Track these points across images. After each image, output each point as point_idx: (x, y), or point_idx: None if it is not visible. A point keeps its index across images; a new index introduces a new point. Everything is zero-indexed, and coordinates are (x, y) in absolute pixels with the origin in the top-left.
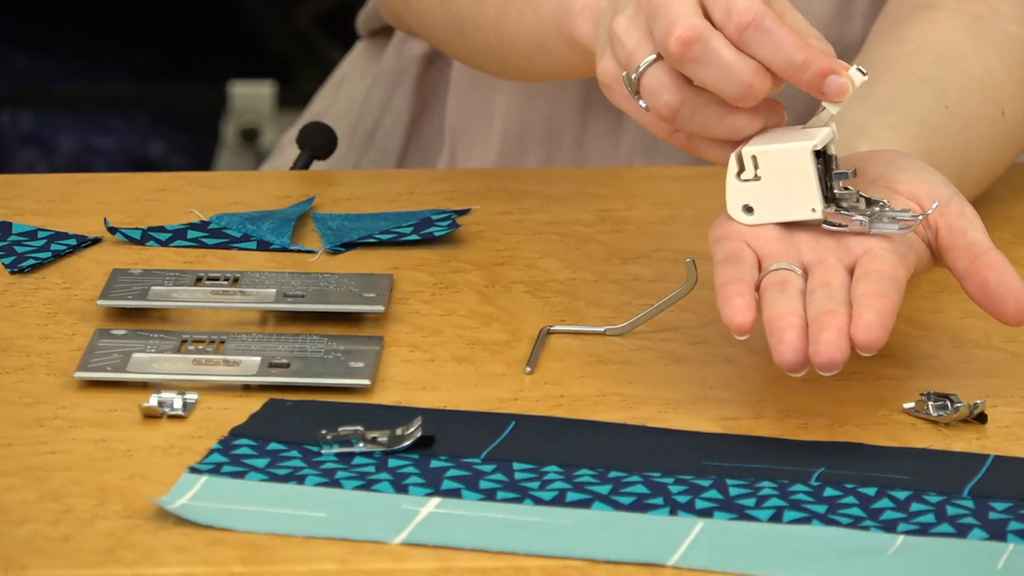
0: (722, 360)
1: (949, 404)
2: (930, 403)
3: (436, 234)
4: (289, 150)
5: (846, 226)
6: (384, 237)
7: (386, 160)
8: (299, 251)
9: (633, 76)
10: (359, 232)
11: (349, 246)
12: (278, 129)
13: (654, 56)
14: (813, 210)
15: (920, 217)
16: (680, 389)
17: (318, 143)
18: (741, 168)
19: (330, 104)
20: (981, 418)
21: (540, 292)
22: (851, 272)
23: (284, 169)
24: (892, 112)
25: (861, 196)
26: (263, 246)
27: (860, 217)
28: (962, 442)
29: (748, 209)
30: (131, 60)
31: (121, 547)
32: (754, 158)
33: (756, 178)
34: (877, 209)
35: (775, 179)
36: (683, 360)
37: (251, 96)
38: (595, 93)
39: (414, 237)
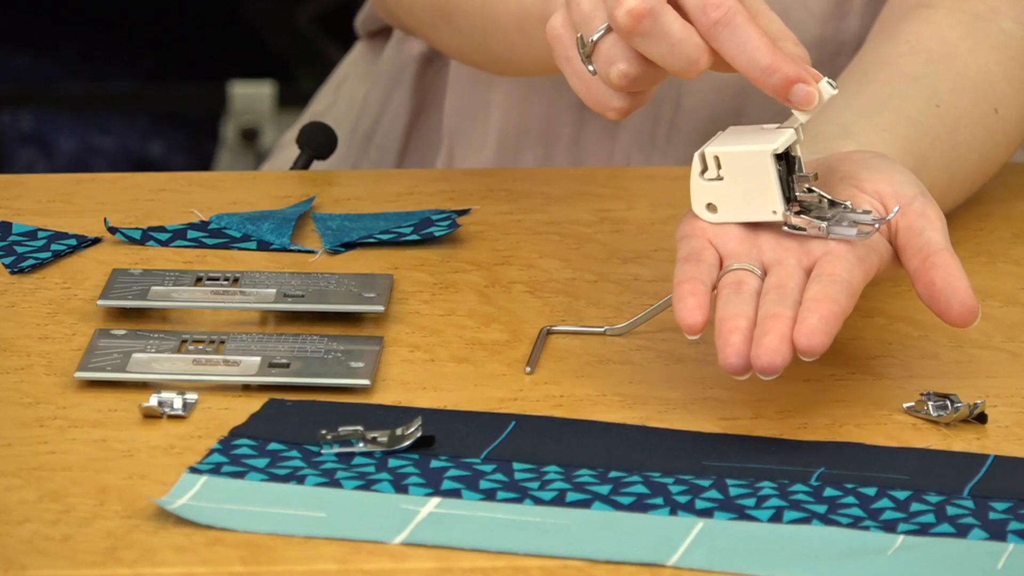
0: None
1: (949, 404)
2: (930, 403)
3: (436, 234)
4: (289, 150)
5: (805, 230)
6: (384, 237)
7: (385, 160)
8: (299, 251)
9: (591, 38)
10: (359, 232)
11: (349, 246)
12: (278, 129)
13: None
14: (774, 212)
15: (877, 224)
16: (680, 389)
17: (318, 143)
18: (704, 167)
19: (330, 104)
20: (981, 418)
21: (540, 292)
22: (810, 274)
23: (284, 169)
24: (881, 112)
25: (824, 199)
26: (263, 246)
27: (819, 222)
28: (962, 442)
29: (712, 208)
30: (131, 60)
31: (121, 547)
32: (716, 158)
33: (719, 178)
34: (839, 212)
35: (737, 180)
36: (683, 360)
37: (251, 96)
38: None
39: (414, 237)
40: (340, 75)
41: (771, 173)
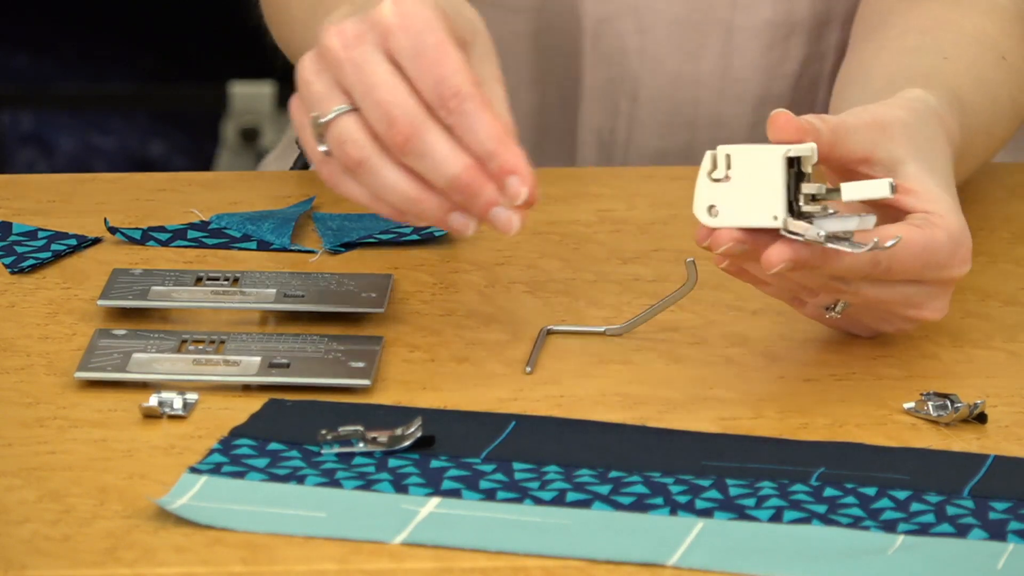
0: (722, 360)
1: (949, 404)
2: (930, 403)
3: (436, 234)
4: (290, 151)
5: (803, 236)
6: (384, 237)
7: None
8: (299, 251)
9: (321, 120)
10: (359, 232)
11: (349, 246)
12: (278, 129)
13: (348, 108)
14: (775, 217)
15: (872, 245)
16: (680, 389)
17: None
18: (714, 167)
19: None
20: (981, 418)
21: (540, 292)
22: None
23: (284, 169)
24: (895, 85)
25: (827, 212)
26: (263, 246)
27: (817, 229)
28: (962, 442)
29: (712, 211)
30: (131, 60)
31: (121, 547)
32: (728, 157)
33: (726, 178)
34: (836, 223)
35: (744, 181)
36: (683, 360)
37: (251, 96)
38: (549, 98)
39: (414, 237)
40: None
41: (779, 175)
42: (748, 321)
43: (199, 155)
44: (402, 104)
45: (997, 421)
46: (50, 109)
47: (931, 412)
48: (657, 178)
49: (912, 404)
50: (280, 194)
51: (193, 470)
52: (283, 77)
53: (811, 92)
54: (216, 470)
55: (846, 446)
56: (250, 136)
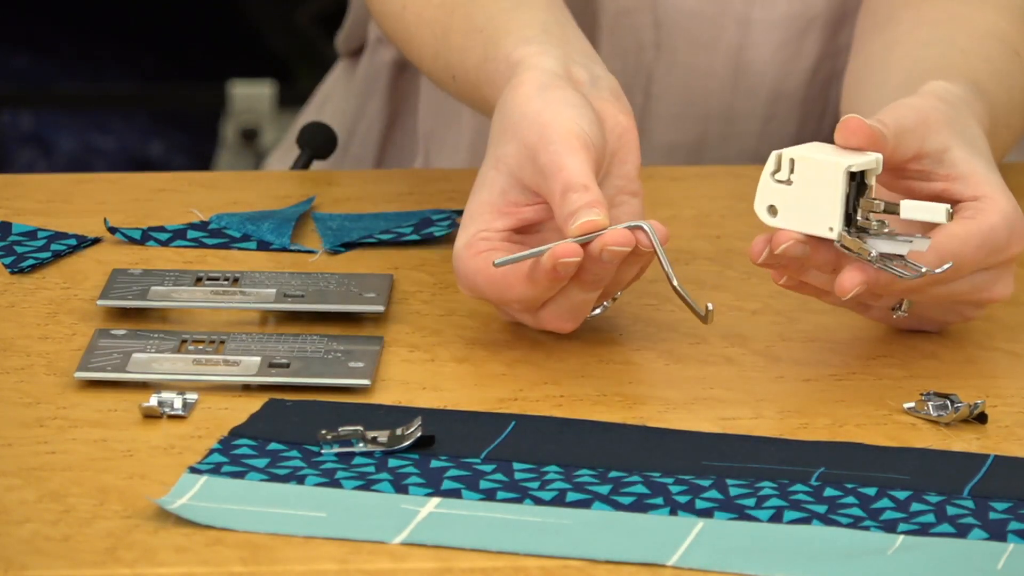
0: (722, 360)
1: (949, 404)
2: (930, 403)
3: (436, 234)
4: (290, 151)
5: (857, 253)
6: (384, 237)
7: (362, 168)
8: (299, 251)
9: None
10: (359, 232)
11: (349, 246)
12: (278, 129)
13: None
14: (830, 229)
15: (923, 271)
16: (680, 389)
17: (318, 143)
18: (777, 168)
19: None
20: (981, 418)
21: None
22: None
23: (284, 169)
24: (913, 79)
25: (885, 229)
26: (263, 246)
27: (870, 248)
28: (962, 442)
29: (772, 211)
30: (131, 60)
31: (121, 547)
32: (791, 161)
33: (788, 182)
34: (890, 245)
35: (805, 188)
36: (683, 360)
37: (251, 96)
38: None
39: (414, 237)
40: (323, 94)
41: (839, 188)
42: (748, 321)
43: (199, 155)
44: (525, 293)
45: (997, 421)
46: (50, 109)
47: (931, 412)
48: (657, 178)
49: (912, 404)
50: (280, 194)
51: (193, 470)
52: (283, 77)
53: (825, 88)
54: (216, 470)
55: (846, 446)
56: (250, 136)
